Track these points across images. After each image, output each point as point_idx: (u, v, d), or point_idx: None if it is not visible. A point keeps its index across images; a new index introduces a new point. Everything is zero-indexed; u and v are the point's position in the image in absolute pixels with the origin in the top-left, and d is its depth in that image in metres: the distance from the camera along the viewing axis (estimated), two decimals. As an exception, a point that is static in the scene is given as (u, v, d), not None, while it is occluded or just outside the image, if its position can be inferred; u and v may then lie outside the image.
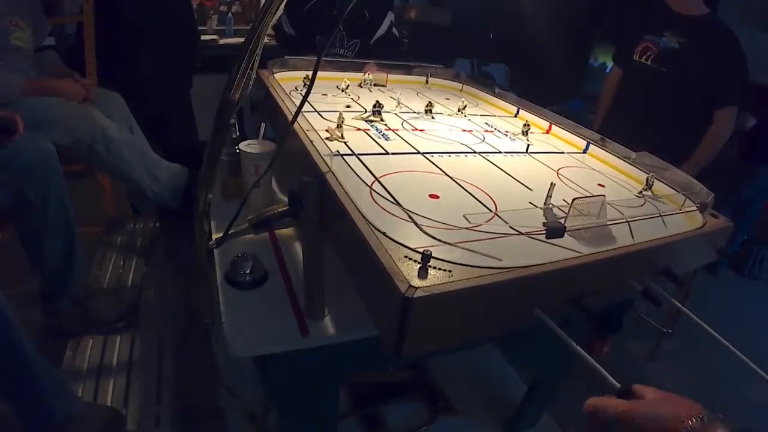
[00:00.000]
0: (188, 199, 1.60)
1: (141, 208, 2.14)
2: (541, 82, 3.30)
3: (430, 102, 1.46)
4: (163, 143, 2.06)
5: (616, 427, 0.52)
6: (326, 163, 0.90)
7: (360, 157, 1.06)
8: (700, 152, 1.82)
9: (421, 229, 0.78)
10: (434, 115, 1.45)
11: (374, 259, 0.66)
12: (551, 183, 0.95)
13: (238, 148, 1.20)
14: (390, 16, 2.22)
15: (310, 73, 1.58)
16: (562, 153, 1.32)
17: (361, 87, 1.69)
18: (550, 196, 0.94)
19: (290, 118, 0.91)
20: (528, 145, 1.31)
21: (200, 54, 2.48)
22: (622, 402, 0.53)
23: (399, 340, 0.62)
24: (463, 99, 1.57)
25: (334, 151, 1.00)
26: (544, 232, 0.77)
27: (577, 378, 1.13)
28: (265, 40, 0.86)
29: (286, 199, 0.89)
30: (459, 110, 1.51)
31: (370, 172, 0.99)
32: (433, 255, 0.64)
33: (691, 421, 0.48)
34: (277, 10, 0.80)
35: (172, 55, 2.21)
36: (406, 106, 1.50)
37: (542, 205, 0.94)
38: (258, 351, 0.85)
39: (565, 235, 0.77)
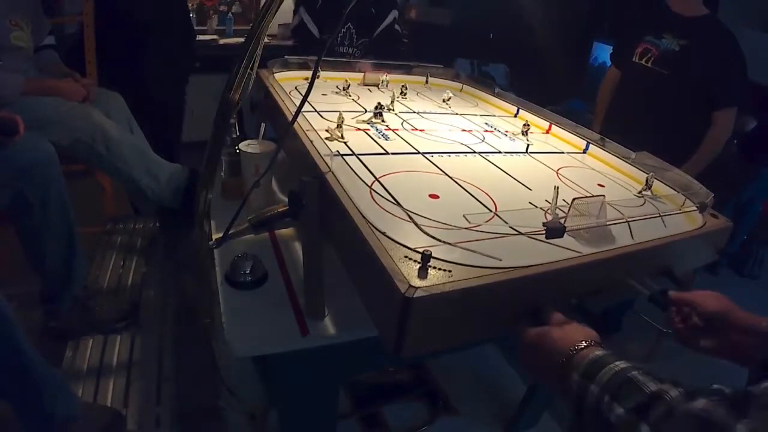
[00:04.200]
0: (188, 199, 1.60)
1: (141, 208, 2.14)
2: (541, 82, 3.30)
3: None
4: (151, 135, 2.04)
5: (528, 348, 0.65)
6: (326, 163, 0.90)
7: (360, 157, 1.06)
8: (700, 154, 1.82)
9: (421, 229, 0.78)
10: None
11: (374, 259, 0.66)
12: (555, 187, 0.91)
13: (238, 148, 1.20)
14: (393, 13, 2.24)
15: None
16: (562, 153, 1.32)
17: (363, 86, 1.69)
18: (555, 201, 0.89)
19: (290, 118, 0.91)
20: (528, 145, 1.31)
21: (197, 52, 2.48)
22: (531, 330, 0.65)
23: (399, 340, 0.62)
24: (447, 91, 1.59)
25: (334, 151, 1.00)
26: (544, 232, 0.77)
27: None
28: (266, 40, 0.86)
29: (286, 199, 0.89)
30: (444, 101, 1.50)
31: (370, 172, 0.99)
32: (432, 255, 0.65)
33: (579, 344, 0.59)
34: (276, 10, 0.80)
35: (171, 54, 2.21)
36: (406, 106, 1.50)
37: (548, 211, 0.91)
38: (258, 351, 0.85)
39: (565, 235, 0.77)
